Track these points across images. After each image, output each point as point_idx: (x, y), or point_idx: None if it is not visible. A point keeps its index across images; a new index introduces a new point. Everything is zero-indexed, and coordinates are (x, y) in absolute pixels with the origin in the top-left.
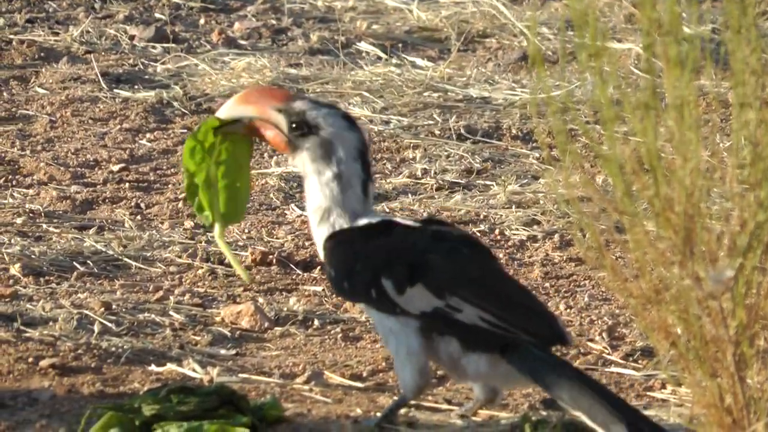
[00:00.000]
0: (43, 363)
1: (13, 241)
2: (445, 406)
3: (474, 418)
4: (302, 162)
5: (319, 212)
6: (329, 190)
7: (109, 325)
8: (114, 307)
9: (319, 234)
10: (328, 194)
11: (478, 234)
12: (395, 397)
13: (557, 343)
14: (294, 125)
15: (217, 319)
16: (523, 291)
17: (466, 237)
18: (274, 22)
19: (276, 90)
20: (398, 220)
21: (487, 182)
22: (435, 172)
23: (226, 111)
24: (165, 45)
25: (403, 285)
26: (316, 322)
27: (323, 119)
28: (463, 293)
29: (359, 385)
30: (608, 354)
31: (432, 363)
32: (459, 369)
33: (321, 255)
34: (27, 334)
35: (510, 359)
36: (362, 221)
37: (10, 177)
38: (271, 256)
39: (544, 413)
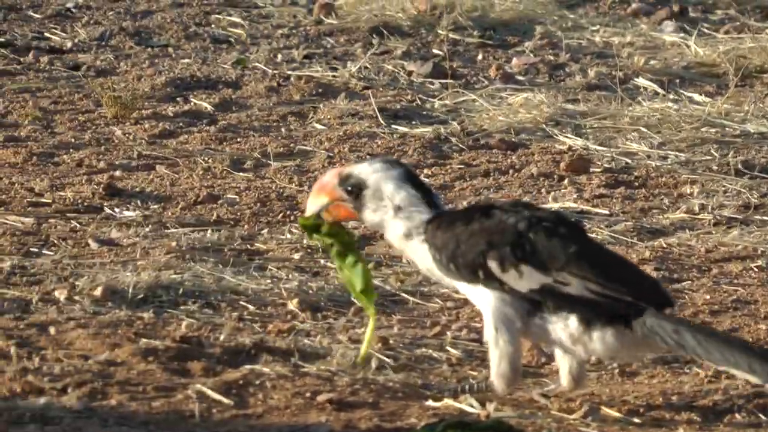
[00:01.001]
0: (320, 398)
1: (290, 276)
2: None
3: None
4: (370, 217)
5: (402, 238)
6: (398, 221)
7: (387, 359)
8: (391, 342)
9: (411, 246)
10: (400, 224)
11: (755, 269)
12: (489, 381)
13: (664, 306)
14: (349, 190)
15: None
16: (624, 261)
17: (559, 216)
18: (551, 57)
19: (332, 170)
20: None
21: (765, 217)
22: (712, 208)
23: (308, 209)
24: (442, 81)
25: (508, 265)
26: (593, 357)
27: (365, 173)
28: (569, 267)
29: (636, 420)
30: None
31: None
32: (583, 345)
33: (417, 259)
34: (304, 369)
35: (636, 328)
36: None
37: (288, 212)
38: None
39: None
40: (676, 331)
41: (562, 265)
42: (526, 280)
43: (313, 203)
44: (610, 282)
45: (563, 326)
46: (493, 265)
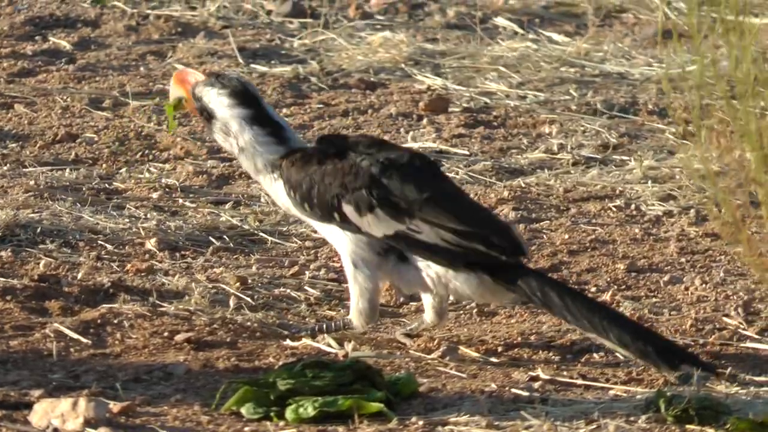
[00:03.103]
0: (179, 337)
1: (149, 215)
2: (580, 381)
3: (609, 394)
4: (219, 141)
5: (253, 172)
6: (245, 159)
7: (245, 299)
8: (249, 281)
9: (265, 181)
10: (248, 161)
11: (614, 209)
12: (347, 318)
13: (515, 254)
14: (199, 111)
15: None
16: (478, 207)
17: (414, 157)
18: None
19: (189, 73)
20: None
21: (624, 157)
22: (571, 147)
23: (170, 93)
24: (302, 20)
25: (363, 210)
26: (451, 297)
27: (212, 103)
28: (421, 214)
29: (494, 360)
30: (743, 329)
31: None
32: (445, 288)
33: (271, 193)
34: (162, 309)
35: (497, 278)
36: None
37: (146, 152)
38: None
39: (679, 389)
40: (543, 290)
41: (414, 212)
42: (381, 226)
43: (174, 91)
44: (462, 230)
45: (423, 270)
46: (348, 209)
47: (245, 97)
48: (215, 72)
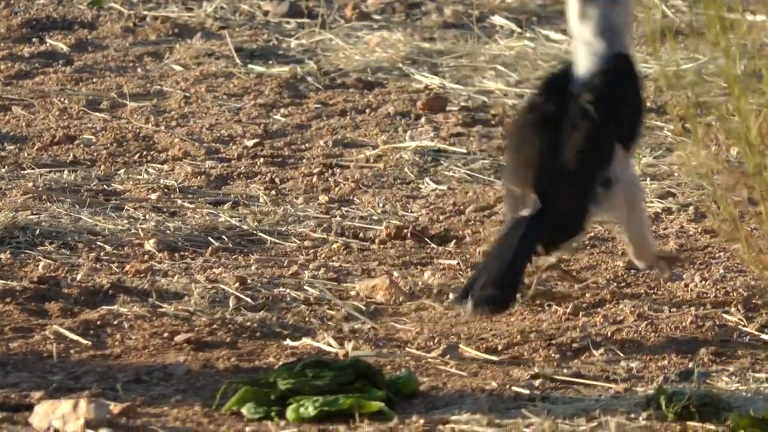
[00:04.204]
0: (178, 338)
1: (147, 216)
2: (580, 379)
3: (609, 391)
4: None
5: None
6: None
7: (245, 299)
8: (249, 281)
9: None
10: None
11: None
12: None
13: None
14: None
15: (352, 293)
16: None
17: None
18: None
19: None
20: None
21: None
22: None
23: None
24: (299, 20)
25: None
26: (451, 296)
27: None
28: None
29: (494, 358)
30: (743, 326)
31: None
32: None
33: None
34: (162, 309)
35: None
36: None
37: (144, 153)
38: (405, 230)
39: (679, 386)
40: None
41: None
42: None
43: None
44: None
45: None
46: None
47: None
48: None
